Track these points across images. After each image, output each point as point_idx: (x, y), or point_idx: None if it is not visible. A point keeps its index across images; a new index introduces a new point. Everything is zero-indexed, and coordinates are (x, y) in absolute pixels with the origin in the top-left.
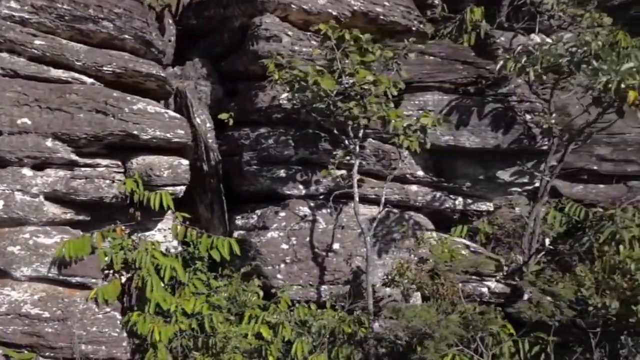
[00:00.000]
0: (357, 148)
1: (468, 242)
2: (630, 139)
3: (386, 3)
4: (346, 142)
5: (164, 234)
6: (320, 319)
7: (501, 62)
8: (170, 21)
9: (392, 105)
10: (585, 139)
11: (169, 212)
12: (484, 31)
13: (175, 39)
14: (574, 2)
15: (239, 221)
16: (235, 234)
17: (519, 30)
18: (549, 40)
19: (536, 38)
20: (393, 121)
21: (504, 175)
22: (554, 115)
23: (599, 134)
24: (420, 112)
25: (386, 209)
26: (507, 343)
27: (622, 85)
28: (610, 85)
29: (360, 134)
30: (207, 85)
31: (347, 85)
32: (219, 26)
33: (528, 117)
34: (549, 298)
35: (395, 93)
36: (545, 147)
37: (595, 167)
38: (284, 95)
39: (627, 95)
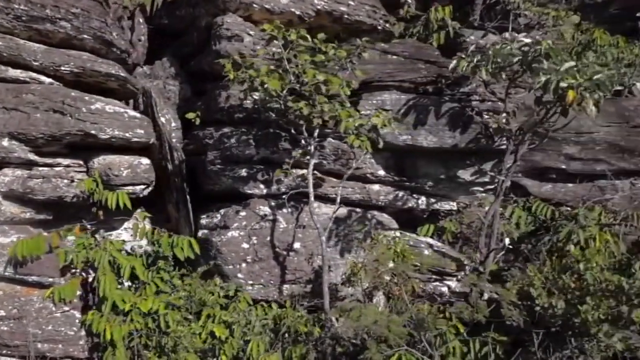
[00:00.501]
0: (313, 148)
1: (432, 241)
2: (599, 138)
3: (351, 2)
4: (303, 141)
5: (131, 233)
6: (279, 318)
7: (454, 62)
8: (141, 20)
9: (348, 104)
10: (542, 138)
11: (138, 211)
12: (453, 30)
13: (146, 38)
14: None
15: (203, 220)
16: (200, 233)
17: (490, 29)
18: (523, 38)
19: (520, 37)
20: (344, 121)
21: (465, 174)
22: (504, 114)
23: (568, 133)
24: (383, 111)
25: (348, 208)
26: (452, 342)
27: (564, 85)
28: (549, 85)
29: (316, 134)
30: (176, 84)
31: (298, 85)
32: (189, 26)
33: (486, 116)
34: (512, 299)
35: (349, 93)
36: (504, 147)
37: (563, 166)
38: (242, 95)
39: (566, 95)
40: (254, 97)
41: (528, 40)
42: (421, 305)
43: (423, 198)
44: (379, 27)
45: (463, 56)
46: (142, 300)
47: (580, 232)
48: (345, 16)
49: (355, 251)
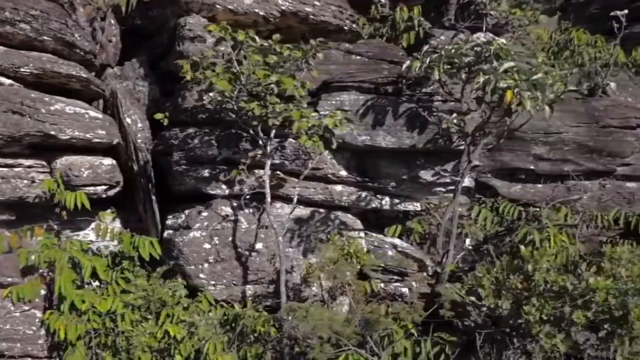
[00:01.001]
0: (269, 148)
1: (398, 242)
2: (568, 138)
3: (316, 3)
4: (260, 142)
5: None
6: (236, 318)
7: (408, 62)
8: (113, 21)
9: (305, 105)
10: (498, 139)
11: (108, 211)
12: (423, 30)
13: (119, 39)
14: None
15: (169, 221)
16: (165, 233)
17: (461, 29)
18: (498, 39)
19: (482, 37)
20: (297, 122)
21: (426, 175)
22: (455, 115)
23: (536, 134)
24: (338, 112)
25: (311, 209)
26: (400, 342)
27: (503, 85)
28: (488, 86)
29: (273, 134)
30: (145, 85)
31: (250, 86)
32: (160, 27)
33: (445, 116)
34: (472, 298)
35: (303, 93)
36: (462, 147)
37: (532, 167)
38: (197, 95)
39: (505, 96)
40: (211, 97)
41: (481, 40)
42: (376, 305)
43: (387, 199)
44: (346, 28)
45: (418, 57)
46: (101, 300)
47: (536, 233)
48: (311, 17)
49: (320, 252)
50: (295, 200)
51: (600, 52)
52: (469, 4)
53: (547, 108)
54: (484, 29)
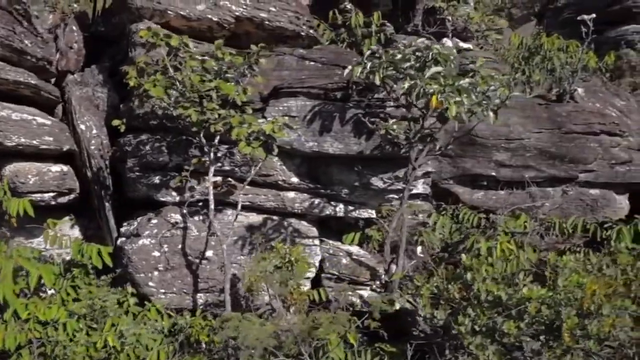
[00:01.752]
0: (212, 155)
1: (354, 250)
2: (529, 144)
3: (272, 8)
4: (205, 148)
5: None
6: (184, 327)
7: (349, 67)
8: (75, 28)
9: (250, 111)
10: (445, 144)
11: (66, 218)
12: (385, 36)
13: (82, 45)
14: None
15: (123, 228)
16: (118, 241)
17: (425, 35)
18: (462, 44)
19: (448, 42)
20: (236, 128)
21: (378, 182)
22: (393, 121)
23: (498, 140)
24: (285, 118)
25: (264, 216)
26: (333, 353)
27: (430, 90)
28: (413, 91)
29: (217, 140)
30: (104, 92)
31: (188, 92)
32: (120, 33)
33: (383, 123)
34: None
35: (244, 99)
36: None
37: (493, 173)
38: (137, 102)
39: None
40: (152, 104)
41: (422, 45)
42: (322, 314)
43: (341, 205)
44: (303, 34)
45: (359, 62)
46: (45, 309)
47: (482, 241)
48: (266, 22)
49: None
50: (239, 207)
51: (572, 58)
52: (434, 10)
53: (491, 114)
54: (450, 35)
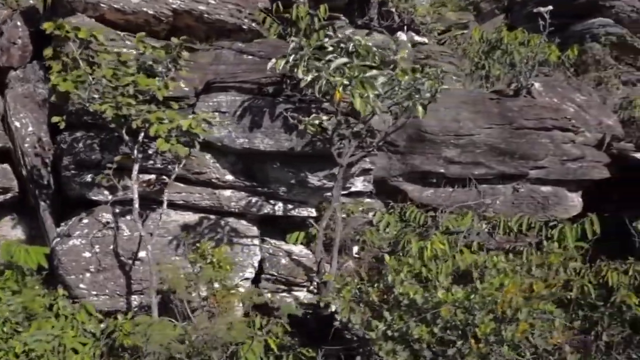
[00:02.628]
0: (136, 151)
1: (296, 249)
2: (479, 140)
3: (211, 1)
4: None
5: None
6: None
7: (273, 60)
8: (20, 23)
9: (175, 106)
10: (380, 140)
11: (7, 217)
12: (333, 29)
13: (28, 41)
14: None
15: (59, 228)
16: (54, 241)
17: (376, 28)
18: (418, 38)
19: (402, 36)
20: (155, 124)
21: (314, 179)
22: (314, 116)
23: (447, 136)
24: (216, 113)
25: (200, 215)
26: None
27: (335, 82)
28: (316, 83)
29: (141, 137)
30: (45, 88)
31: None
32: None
33: (325, 118)
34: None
35: (166, 94)
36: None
37: (442, 170)
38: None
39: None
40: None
41: (344, 37)
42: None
43: (280, 204)
44: (244, 27)
45: (283, 55)
46: None
47: (414, 241)
48: (206, 15)
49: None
50: (164, 205)
51: (532, 52)
52: (386, 3)
53: (420, 108)
54: (405, 28)
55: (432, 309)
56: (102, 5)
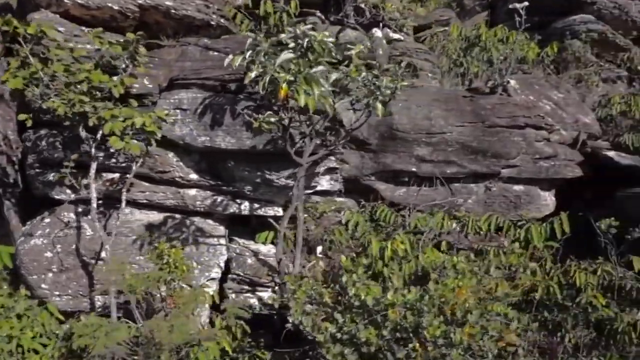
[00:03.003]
0: (94, 149)
1: (263, 249)
2: (451, 138)
3: None
4: (89, 143)
5: None
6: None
7: (230, 57)
8: None
9: (135, 105)
10: (343, 138)
11: None
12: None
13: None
14: None
15: (24, 228)
16: (18, 241)
17: (349, 24)
18: (393, 35)
19: (377, 32)
20: (109, 122)
21: (279, 178)
22: (268, 112)
23: (419, 134)
24: (177, 111)
25: (165, 214)
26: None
27: (279, 79)
28: (260, 80)
29: (99, 135)
30: None
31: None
32: None
33: (282, 116)
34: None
35: (122, 91)
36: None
37: (414, 169)
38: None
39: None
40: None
41: (299, 32)
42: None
43: (246, 203)
44: (212, 23)
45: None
46: None
47: (374, 242)
48: (172, 11)
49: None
50: (123, 204)
51: (511, 49)
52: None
53: (379, 105)
54: (380, 25)
55: (383, 310)
56: (65, 1)
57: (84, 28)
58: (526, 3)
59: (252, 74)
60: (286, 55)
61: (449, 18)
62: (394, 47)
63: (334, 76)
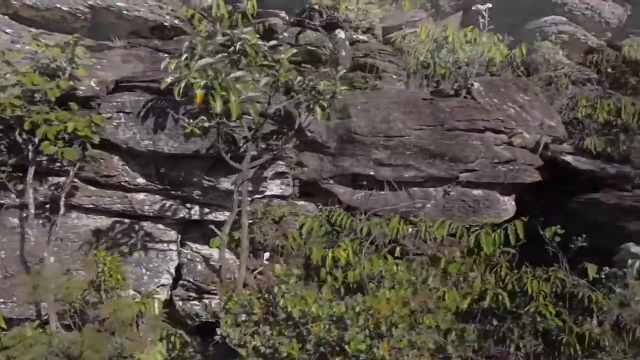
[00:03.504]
0: (31, 153)
1: (215, 254)
2: (409, 142)
3: None
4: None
5: None
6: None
7: (167, 60)
8: None
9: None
10: (285, 143)
11: None
12: (263, 27)
13: None
14: None
15: None
16: None
17: (310, 25)
18: (357, 36)
19: (341, 34)
20: (43, 126)
21: (226, 183)
22: (202, 117)
23: (377, 137)
24: (121, 114)
25: (114, 219)
26: None
27: (198, 85)
28: (176, 85)
29: (37, 139)
30: None
31: None
32: None
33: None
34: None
35: (58, 94)
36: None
37: (372, 173)
38: None
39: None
40: None
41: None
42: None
43: (197, 207)
44: (166, 24)
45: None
46: None
47: (314, 249)
48: (124, 12)
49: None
50: (62, 210)
51: (477, 51)
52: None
53: (318, 109)
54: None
55: (311, 323)
56: (13, 1)
57: (33, 29)
58: (489, 5)
59: (168, 79)
60: (204, 60)
61: (420, 19)
62: (357, 48)
63: (264, 80)
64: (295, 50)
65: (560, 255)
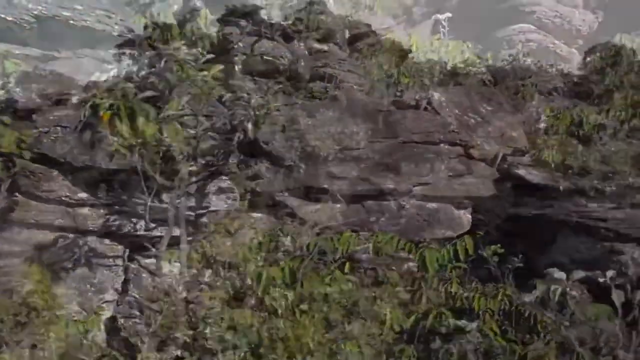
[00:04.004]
0: None
1: (168, 268)
2: (364, 155)
3: (78, 6)
4: None
5: None
6: None
7: (97, 74)
8: None
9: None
10: (222, 160)
11: None
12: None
13: None
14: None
15: None
16: None
17: (266, 35)
18: (317, 45)
19: (300, 43)
20: None
21: (167, 199)
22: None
23: (331, 150)
24: (58, 128)
25: (57, 234)
26: None
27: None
28: (82, 107)
29: None
30: None
31: None
32: None
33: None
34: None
35: None
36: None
37: (326, 185)
38: None
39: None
40: None
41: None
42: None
43: (142, 223)
44: (114, 33)
45: None
46: None
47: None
48: (71, 21)
49: (67, 281)
50: None
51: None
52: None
53: (249, 126)
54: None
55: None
56: None
57: None
58: (449, 14)
59: (74, 99)
60: (110, 82)
61: (389, 27)
62: (315, 58)
63: (185, 99)
64: (221, 67)
65: (503, 274)
